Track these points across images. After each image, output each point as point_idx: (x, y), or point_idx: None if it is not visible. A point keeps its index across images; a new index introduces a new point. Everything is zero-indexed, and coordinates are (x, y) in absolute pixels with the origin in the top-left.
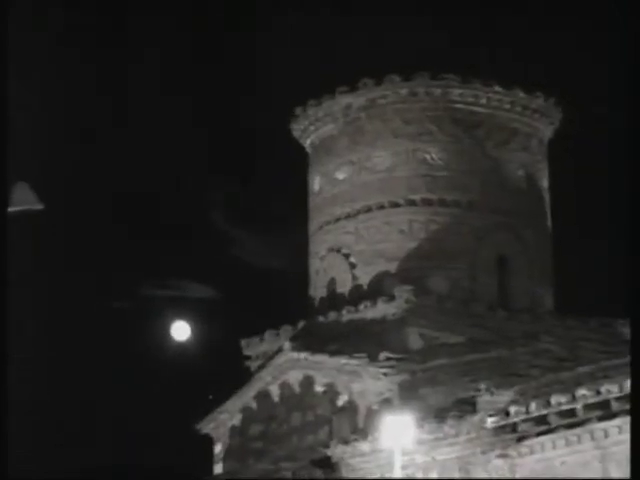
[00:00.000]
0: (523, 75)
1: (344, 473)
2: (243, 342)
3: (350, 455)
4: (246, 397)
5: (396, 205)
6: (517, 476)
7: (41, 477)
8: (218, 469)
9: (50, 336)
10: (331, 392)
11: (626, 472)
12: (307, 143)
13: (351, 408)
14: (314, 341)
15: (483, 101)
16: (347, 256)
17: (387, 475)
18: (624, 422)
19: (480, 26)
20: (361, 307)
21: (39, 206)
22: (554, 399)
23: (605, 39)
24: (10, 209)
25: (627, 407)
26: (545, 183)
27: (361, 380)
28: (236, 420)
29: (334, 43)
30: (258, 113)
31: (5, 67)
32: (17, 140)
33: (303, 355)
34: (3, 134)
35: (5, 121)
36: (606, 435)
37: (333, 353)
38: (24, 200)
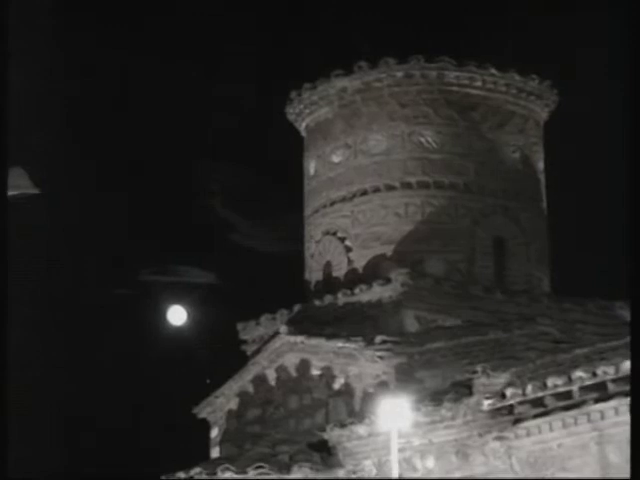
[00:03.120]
0: (518, 57)
1: (340, 456)
2: (239, 326)
3: (347, 438)
4: (243, 381)
5: (392, 188)
6: (514, 458)
7: (41, 477)
8: (215, 453)
9: (48, 326)
10: (327, 375)
11: (623, 453)
12: (302, 127)
13: (347, 391)
14: (310, 325)
15: (478, 83)
16: (343, 239)
17: (384, 458)
18: (620, 404)
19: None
20: (357, 290)
21: (34, 190)
22: (550, 381)
23: (602, 21)
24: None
25: (623, 389)
26: (541, 165)
27: (357, 363)
28: (233, 404)
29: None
30: (254, 97)
31: (6, 55)
32: (16, 124)
33: (299, 339)
34: (3, 121)
35: (4, 106)
36: (602, 417)
37: (329, 336)
38: (19, 185)
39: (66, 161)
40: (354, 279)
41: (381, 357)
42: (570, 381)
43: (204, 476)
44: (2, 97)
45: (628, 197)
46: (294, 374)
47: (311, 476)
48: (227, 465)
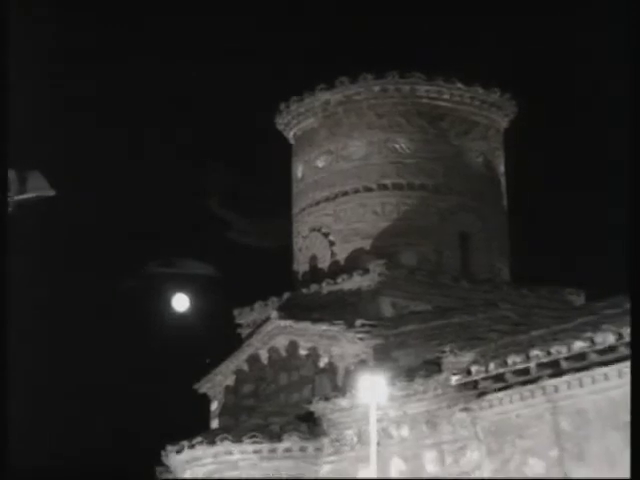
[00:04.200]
0: (481, 71)
1: (325, 426)
2: (235, 312)
3: (330, 410)
4: (238, 360)
5: (370, 189)
6: (478, 427)
7: (44, 463)
8: (214, 424)
9: (53, 318)
10: (313, 355)
11: (574, 422)
12: (290, 135)
13: (331, 369)
14: (298, 310)
15: (446, 96)
16: (327, 235)
17: (364, 427)
18: (572, 378)
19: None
20: (339, 280)
21: (51, 193)
22: (510, 359)
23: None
24: (23, 196)
25: (574, 365)
26: (502, 168)
27: (340, 344)
28: (230, 381)
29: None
30: (251, 108)
31: (7, 52)
32: (19, 125)
33: (288, 323)
34: (4, 122)
35: (6, 108)
36: (556, 390)
37: (315, 321)
38: (37, 187)
39: (68, 161)
40: (337, 270)
41: (361, 338)
42: (528, 359)
43: (205, 444)
44: (3, 97)
45: (628, 198)
46: (284, 354)
47: (299, 444)
48: (225, 435)
